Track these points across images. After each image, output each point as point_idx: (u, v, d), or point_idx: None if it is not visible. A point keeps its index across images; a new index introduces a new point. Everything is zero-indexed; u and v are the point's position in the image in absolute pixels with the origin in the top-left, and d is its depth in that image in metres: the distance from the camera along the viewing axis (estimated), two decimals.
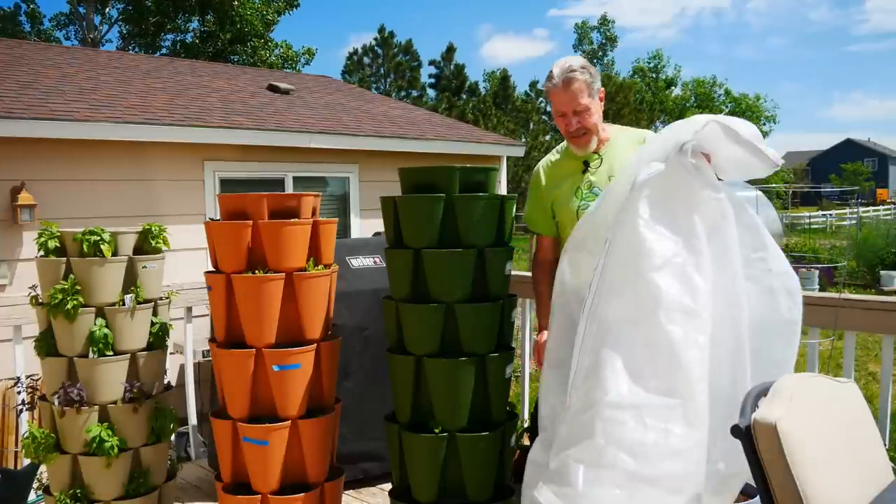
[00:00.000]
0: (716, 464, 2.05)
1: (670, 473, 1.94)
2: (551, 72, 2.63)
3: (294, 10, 23.41)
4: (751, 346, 2.11)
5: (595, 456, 1.99)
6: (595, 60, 50.60)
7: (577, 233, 2.43)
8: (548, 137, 26.05)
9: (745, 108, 50.43)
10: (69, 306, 2.78)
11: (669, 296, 2.02)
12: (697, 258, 2.07)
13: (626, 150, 2.72)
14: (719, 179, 2.20)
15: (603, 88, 2.76)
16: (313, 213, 2.98)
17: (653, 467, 1.94)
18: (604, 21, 51.14)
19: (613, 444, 1.97)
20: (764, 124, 50.92)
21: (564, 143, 2.84)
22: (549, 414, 2.35)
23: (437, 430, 2.74)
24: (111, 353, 2.87)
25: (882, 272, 13.44)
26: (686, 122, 2.20)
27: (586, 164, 2.71)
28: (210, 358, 3.21)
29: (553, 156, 2.87)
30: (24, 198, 5.30)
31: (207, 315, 3.58)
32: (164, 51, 23.23)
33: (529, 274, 3.10)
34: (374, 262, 4.03)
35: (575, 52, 51.50)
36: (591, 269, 2.21)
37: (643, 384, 2.00)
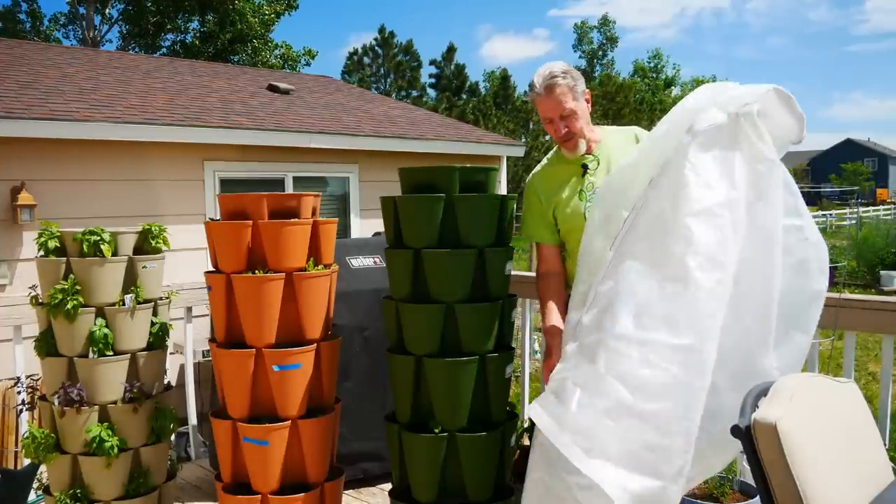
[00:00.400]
0: (722, 419, 2.03)
1: (661, 413, 1.95)
2: (533, 81, 2.64)
3: (293, 10, 23.39)
4: (778, 312, 2.12)
5: (593, 382, 2.02)
6: (595, 60, 50.64)
7: (613, 183, 2.36)
8: (548, 137, 26.02)
9: None
10: (69, 306, 2.78)
11: (701, 243, 2.02)
12: (736, 216, 2.06)
13: (622, 147, 2.71)
14: None
15: (588, 90, 2.75)
16: (313, 213, 2.98)
17: (645, 403, 1.96)
18: (605, 21, 51.17)
19: (613, 375, 2.00)
20: None
21: (555, 151, 2.83)
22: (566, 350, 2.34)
23: (437, 430, 2.74)
24: (111, 353, 2.87)
25: (882, 272, 13.45)
26: (745, 88, 2.17)
27: (585, 167, 2.70)
28: (210, 358, 3.21)
29: (545, 164, 2.85)
30: (24, 198, 5.30)
31: (207, 315, 3.58)
32: (163, 51, 23.23)
33: (529, 274, 3.10)
34: (374, 262, 4.03)
35: (574, 52, 51.57)
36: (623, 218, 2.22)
37: (654, 323, 2.01)
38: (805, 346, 2.25)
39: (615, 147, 2.72)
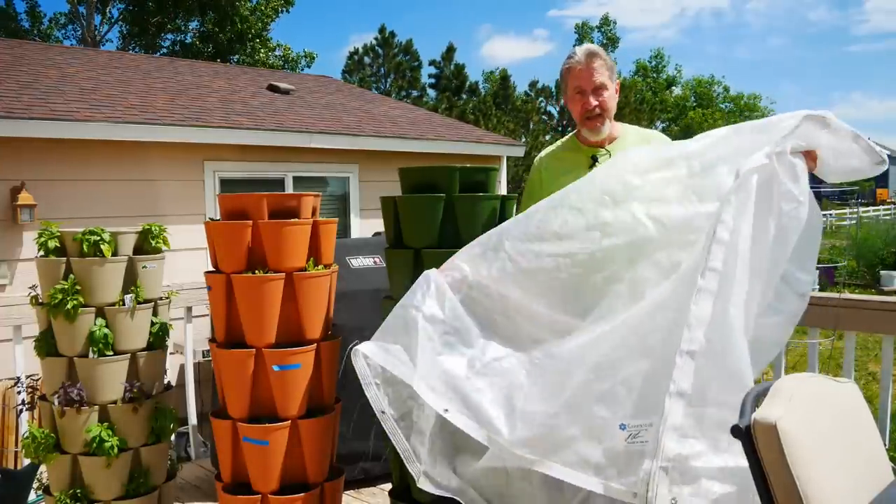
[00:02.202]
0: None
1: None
2: (573, 51, 2.59)
3: (290, 7, 23.32)
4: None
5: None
6: None
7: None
8: (548, 137, 26.05)
9: (744, 106, 50.59)
10: (69, 306, 2.78)
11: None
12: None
13: (636, 149, 2.67)
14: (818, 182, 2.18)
15: (619, 80, 2.72)
16: (313, 213, 2.98)
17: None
18: (605, 21, 51.13)
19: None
20: None
21: (570, 136, 2.79)
22: None
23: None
24: (111, 353, 2.87)
25: (882, 272, 13.45)
26: (777, 119, 2.14)
27: (594, 158, 2.65)
28: (210, 358, 3.21)
29: (556, 147, 2.79)
30: (24, 198, 5.31)
31: (207, 315, 3.58)
32: (164, 51, 23.24)
33: None
34: (374, 262, 4.03)
35: None
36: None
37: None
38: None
39: (631, 147, 2.65)
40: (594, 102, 2.57)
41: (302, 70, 24.35)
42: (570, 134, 2.82)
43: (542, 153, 2.82)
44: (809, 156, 2.12)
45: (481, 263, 2.33)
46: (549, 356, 2.16)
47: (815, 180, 2.19)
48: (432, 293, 2.30)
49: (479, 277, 2.32)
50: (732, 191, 2.01)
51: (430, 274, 2.36)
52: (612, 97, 2.61)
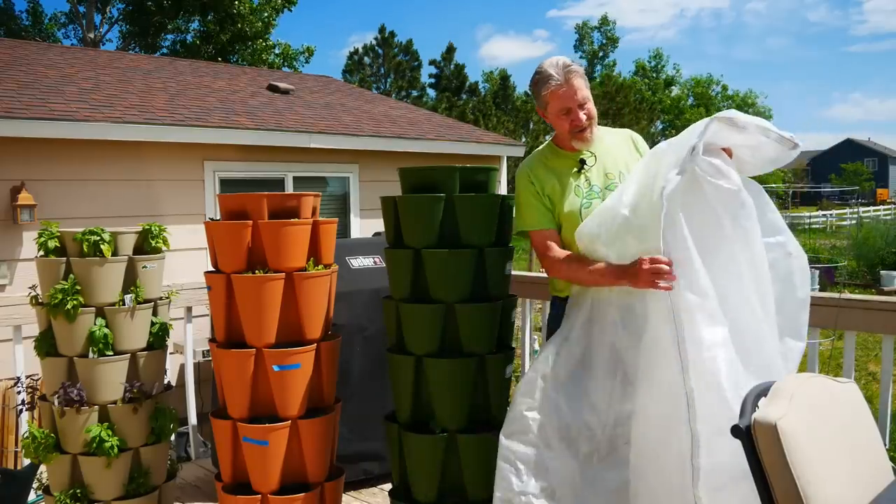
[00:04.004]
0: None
1: None
2: (546, 73, 2.52)
3: (292, 6, 23.28)
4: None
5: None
6: (595, 61, 50.61)
7: (591, 223, 2.46)
8: (548, 137, 26.02)
9: (741, 104, 50.73)
10: (69, 306, 2.78)
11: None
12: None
13: (619, 147, 2.67)
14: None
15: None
16: (313, 213, 2.98)
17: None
18: (605, 22, 51.15)
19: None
20: None
21: (547, 144, 2.75)
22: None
23: (437, 431, 2.74)
24: (111, 353, 2.87)
25: (882, 272, 13.43)
26: (692, 127, 2.24)
27: (582, 162, 2.63)
28: (210, 358, 3.21)
29: (538, 156, 2.72)
30: (24, 198, 5.30)
31: (207, 315, 3.58)
32: (164, 51, 23.22)
33: (529, 274, 3.09)
34: (374, 262, 4.03)
35: (575, 52, 51.52)
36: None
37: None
38: (800, 351, 2.35)
39: (612, 146, 2.66)
40: (583, 117, 2.55)
41: (301, 65, 24.33)
42: (546, 144, 2.76)
43: (525, 165, 2.70)
44: (726, 152, 2.24)
45: (537, 403, 2.54)
46: (634, 457, 2.31)
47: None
48: (523, 472, 2.45)
49: (542, 417, 2.50)
50: (662, 220, 2.11)
51: (510, 446, 2.48)
52: (592, 102, 2.60)
